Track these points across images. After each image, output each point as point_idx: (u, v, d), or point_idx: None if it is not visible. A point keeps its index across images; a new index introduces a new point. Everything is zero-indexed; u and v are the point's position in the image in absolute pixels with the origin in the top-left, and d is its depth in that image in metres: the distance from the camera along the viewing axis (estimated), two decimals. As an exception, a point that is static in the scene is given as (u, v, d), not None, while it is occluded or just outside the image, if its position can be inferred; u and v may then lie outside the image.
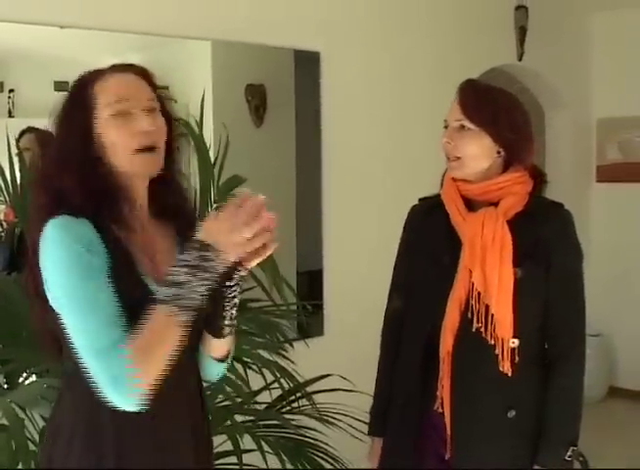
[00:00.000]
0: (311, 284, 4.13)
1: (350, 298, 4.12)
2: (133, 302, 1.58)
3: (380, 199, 4.36)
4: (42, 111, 3.21)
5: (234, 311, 1.70)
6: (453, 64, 4.76)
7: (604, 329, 5.68)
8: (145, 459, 1.68)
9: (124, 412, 1.54)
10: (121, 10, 3.23)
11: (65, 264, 1.57)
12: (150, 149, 1.66)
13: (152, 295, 1.58)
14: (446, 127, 2.19)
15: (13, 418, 2.00)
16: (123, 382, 1.49)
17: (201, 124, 2.71)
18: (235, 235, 1.51)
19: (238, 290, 1.68)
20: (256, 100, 3.86)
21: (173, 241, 1.79)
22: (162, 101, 1.75)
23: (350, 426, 2.76)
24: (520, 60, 5.27)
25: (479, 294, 2.09)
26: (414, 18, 4.56)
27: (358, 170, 4.26)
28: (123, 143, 1.65)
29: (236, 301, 1.69)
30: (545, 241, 2.12)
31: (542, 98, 5.82)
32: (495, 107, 2.14)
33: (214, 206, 2.62)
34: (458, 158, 2.14)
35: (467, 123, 2.12)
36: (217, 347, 1.78)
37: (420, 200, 2.41)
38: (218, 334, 1.73)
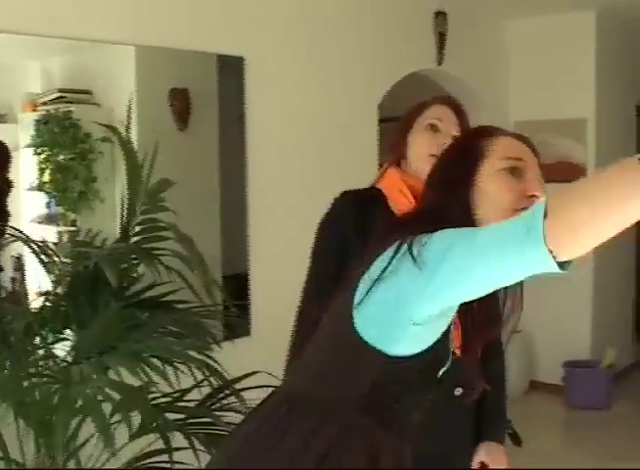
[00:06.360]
0: (237, 287, 4.16)
1: (276, 299, 4.15)
2: None
3: (303, 201, 4.39)
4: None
5: None
6: (374, 67, 4.87)
7: (523, 325, 5.84)
8: None
9: None
10: (45, 14, 3.21)
11: None
12: None
13: None
14: (432, 126, 2.34)
15: None
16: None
17: (128, 128, 2.73)
18: None
19: None
20: (180, 104, 3.86)
21: None
22: None
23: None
24: (439, 64, 5.41)
25: None
26: (335, 23, 4.64)
27: (281, 174, 4.32)
28: (510, 201, 1.57)
29: None
30: None
31: (461, 102, 5.94)
32: None
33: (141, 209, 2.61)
34: None
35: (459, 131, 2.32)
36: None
37: (345, 193, 2.36)
38: None
